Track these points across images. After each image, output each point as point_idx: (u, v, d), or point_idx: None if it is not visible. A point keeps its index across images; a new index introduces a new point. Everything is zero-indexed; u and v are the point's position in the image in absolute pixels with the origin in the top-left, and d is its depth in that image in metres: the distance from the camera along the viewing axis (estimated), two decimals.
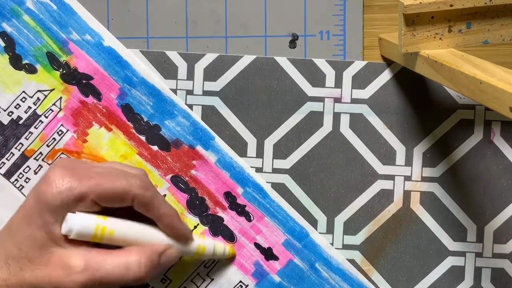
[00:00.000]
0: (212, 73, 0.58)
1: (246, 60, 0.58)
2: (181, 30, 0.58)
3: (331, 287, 0.58)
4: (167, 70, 0.58)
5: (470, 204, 0.58)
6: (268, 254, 0.58)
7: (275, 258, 0.58)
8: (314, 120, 0.58)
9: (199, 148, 0.57)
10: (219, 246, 0.57)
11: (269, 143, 0.58)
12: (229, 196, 0.58)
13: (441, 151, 0.58)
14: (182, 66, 0.58)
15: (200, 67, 0.58)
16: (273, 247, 0.58)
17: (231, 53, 0.58)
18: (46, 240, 0.47)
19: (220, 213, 0.58)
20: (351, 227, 0.59)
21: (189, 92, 0.58)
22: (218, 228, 0.58)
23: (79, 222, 0.48)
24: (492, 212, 0.58)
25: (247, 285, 0.58)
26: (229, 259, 0.58)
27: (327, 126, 0.58)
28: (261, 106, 0.58)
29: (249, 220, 0.58)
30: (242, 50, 0.58)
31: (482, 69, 0.44)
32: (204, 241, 0.56)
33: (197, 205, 0.58)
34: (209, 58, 0.58)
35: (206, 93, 0.58)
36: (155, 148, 0.57)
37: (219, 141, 0.57)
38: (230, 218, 0.58)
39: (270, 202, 0.58)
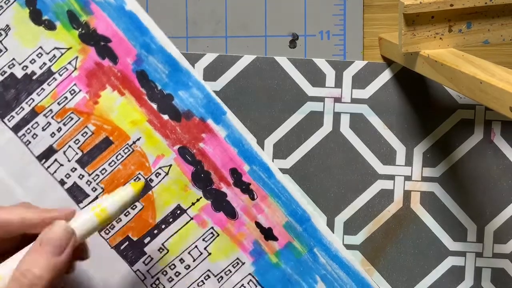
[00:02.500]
0: (212, 73, 0.58)
1: (246, 60, 0.58)
2: (181, 30, 0.58)
3: (327, 273, 0.58)
4: None
5: (470, 204, 0.58)
6: (268, 234, 0.58)
7: (275, 238, 0.58)
8: (314, 120, 0.58)
9: (209, 121, 0.57)
10: (120, 196, 0.50)
11: (269, 143, 0.58)
12: (235, 173, 0.58)
13: (441, 151, 0.58)
14: None
15: (200, 67, 0.58)
16: (274, 228, 0.58)
17: (231, 53, 0.58)
18: None
19: (224, 189, 0.58)
20: (351, 227, 0.59)
21: None
22: (220, 204, 0.58)
23: None
24: (492, 212, 0.58)
25: (244, 262, 0.58)
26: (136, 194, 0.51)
27: (327, 126, 0.58)
28: (261, 106, 0.58)
29: (252, 198, 0.58)
30: (242, 50, 0.58)
31: (482, 69, 0.44)
32: (99, 203, 0.49)
33: (202, 178, 0.57)
34: (209, 58, 0.58)
35: None
36: (165, 117, 0.57)
37: (230, 116, 0.57)
38: (233, 195, 0.58)
39: (275, 182, 0.57)
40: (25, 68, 0.57)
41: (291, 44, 0.58)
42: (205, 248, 0.58)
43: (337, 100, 0.58)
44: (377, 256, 0.59)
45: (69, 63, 0.57)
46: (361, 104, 0.58)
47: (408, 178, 0.58)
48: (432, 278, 0.59)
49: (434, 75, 0.49)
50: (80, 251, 0.50)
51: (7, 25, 0.56)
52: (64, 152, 0.57)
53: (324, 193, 0.58)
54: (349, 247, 0.58)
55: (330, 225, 0.58)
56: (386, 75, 0.58)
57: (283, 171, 0.58)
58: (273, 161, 0.58)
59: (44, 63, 0.57)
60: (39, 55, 0.57)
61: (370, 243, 0.59)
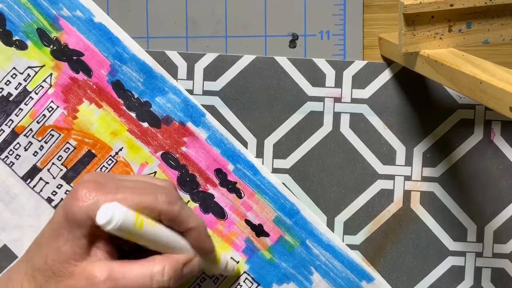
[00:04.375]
0: (212, 73, 0.58)
1: (246, 60, 0.58)
2: (181, 30, 0.58)
3: (322, 264, 0.58)
4: (167, 70, 0.58)
5: (470, 204, 0.58)
6: (259, 230, 0.58)
7: (266, 234, 0.58)
8: (314, 120, 0.58)
9: (189, 124, 0.57)
10: (231, 261, 0.57)
11: (269, 143, 0.58)
12: (220, 173, 0.58)
13: (441, 151, 0.58)
14: (182, 66, 0.58)
15: (200, 67, 0.58)
16: (264, 224, 0.58)
17: (231, 53, 0.58)
18: (72, 254, 0.48)
19: (211, 190, 0.58)
20: (351, 227, 0.59)
21: (189, 92, 0.58)
22: (208, 205, 0.58)
23: (120, 211, 0.47)
24: (492, 212, 0.58)
25: (238, 261, 0.58)
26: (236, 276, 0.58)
27: (327, 126, 0.58)
28: (261, 106, 0.58)
29: (240, 197, 0.58)
30: (242, 50, 0.58)
31: (482, 69, 0.44)
32: (220, 254, 0.56)
33: (187, 182, 0.58)
34: (209, 58, 0.58)
35: (206, 92, 0.58)
36: (145, 124, 0.57)
37: (209, 118, 0.57)
38: (220, 195, 0.58)
39: (261, 178, 0.58)
40: (1, 90, 0.57)
41: (291, 44, 0.58)
42: None
43: (337, 100, 0.58)
44: (377, 256, 0.59)
45: (44, 80, 0.57)
46: (361, 104, 0.58)
47: (408, 178, 0.58)
48: (432, 278, 0.59)
49: (434, 75, 0.49)
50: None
51: None
52: (48, 170, 0.57)
53: (324, 193, 0.58)
54: (349, 247, 0.58)
55: (330, 225, 0.58)
56: (386, 75, 0.58)
57: (283, 171, 0.58)
58: (273, 161, 0.58)
59: (20, 83, 0.57)
60: (14, 75, 0.57)
61: (370, 243, 0.59)
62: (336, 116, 0.58)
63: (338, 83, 0.58)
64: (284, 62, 0.58)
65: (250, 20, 0.58)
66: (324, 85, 0.58)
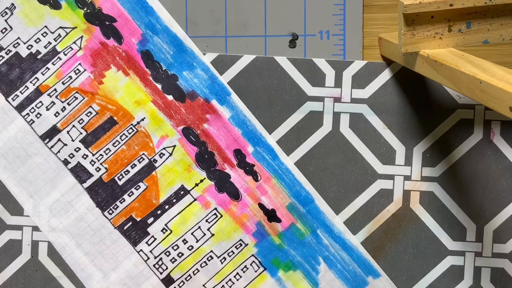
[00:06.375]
0: None
1: (246, 60, 0.58)
2: None
3: (330, 254, 0.58)
4: None
5: (469, 204, 0.58)
6: (271, 215, 0.58)
7: (278, 220, 0.58)
8: (314, 120, 0.58)
9: (214, 102, 0.57)
10: None
11: None
12: (239, 154, 0.58)
13: (441, 151, 0.58)
14: None
15: None
16: (277, 209, 0.58)
17: (231, 53, 0.58)
18: None
19: (228, 170, 0.58)
20: (350, 227, 0.59)
21: None
22: (224, 185, 0.58)
23: None
24: (492, 211, 0.58)
25: (247, 244, 0.58)
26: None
27: (327, 126, 0.58)
28: (261, 106, 0.58)
29: (256, 179, 0.58)
30: (242, 50, 0.58)
31: (482, 68, 0.45)
32: None
33: (205, 159, 0.58)
34: (209, 58, 0.58)
35: None
36: (170, 97, 0.57)
37: (235, 98, 0.57)
38: (237, 176, 0.58)
39: (279, 164, 0.58)
40: (30, 47, 0.57)
41: (291, 44, 0.58)
42: (208, 229, 0.58)
43: (337, 100, 0.58)
44: (376, 256, 0.59)
45: (74, 42, 0.57)
46: (361, 104, 0.58)
47: (407, 178, 0.58)
48: (432, 277, 0.59)
49: (434, 75, 0.49)
50: None
51: (12, 4, 0.57)
52: (68, 132, 0.57)
53: (324, 193, 0.58)
54: None
55: None
56: (385, 75, 0.58)
57: None
58: None
59: (49, 42, 0.57)
60: (44, 34, 0.57)
61: (370, 243, 0.59)
62: (336, 116, 0.58)
63: (338, 83, 0.58)
64: (284, 62, 0.58)
65: (250, 20, 0.58)
66: (324, 85, 0.58)
